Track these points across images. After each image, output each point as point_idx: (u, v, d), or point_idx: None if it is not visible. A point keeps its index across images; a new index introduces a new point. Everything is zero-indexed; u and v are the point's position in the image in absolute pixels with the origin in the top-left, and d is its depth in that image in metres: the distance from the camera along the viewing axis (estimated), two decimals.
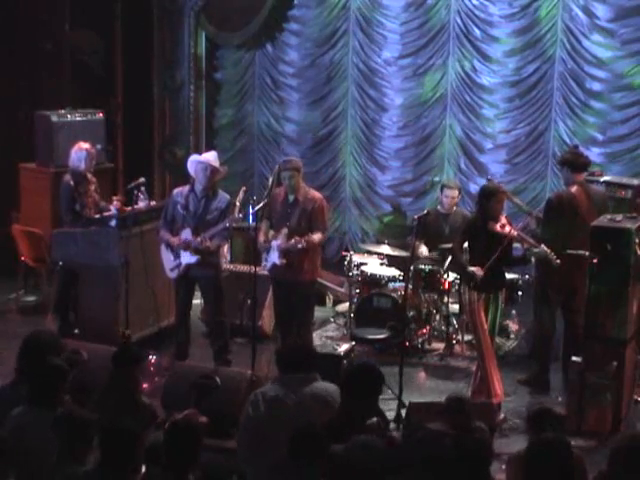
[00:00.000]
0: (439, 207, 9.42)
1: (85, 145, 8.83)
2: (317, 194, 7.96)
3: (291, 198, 7.78)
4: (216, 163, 7.89)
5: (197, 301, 8.57)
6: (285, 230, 7.70)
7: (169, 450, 4.51)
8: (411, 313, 8.67)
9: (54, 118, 10.11)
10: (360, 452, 4.37)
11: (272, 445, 5.16)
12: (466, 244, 7.61)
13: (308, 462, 4.51)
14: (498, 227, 7.27)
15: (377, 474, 4.33)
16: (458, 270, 8.00)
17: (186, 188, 7.91)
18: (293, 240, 7.59)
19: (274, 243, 7.75)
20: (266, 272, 8.08)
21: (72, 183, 8.66)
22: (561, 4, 10.43)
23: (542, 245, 7.34)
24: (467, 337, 8.82)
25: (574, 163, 7.84)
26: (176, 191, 8.00)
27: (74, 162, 8.76)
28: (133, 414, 5.10)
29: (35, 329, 6.20)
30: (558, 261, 7.25)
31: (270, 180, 10.96)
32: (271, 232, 7.84)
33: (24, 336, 5.86)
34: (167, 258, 7.93)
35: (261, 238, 7.88)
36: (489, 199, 7.38)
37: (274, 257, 7.76)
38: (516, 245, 7.71)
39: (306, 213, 7.73)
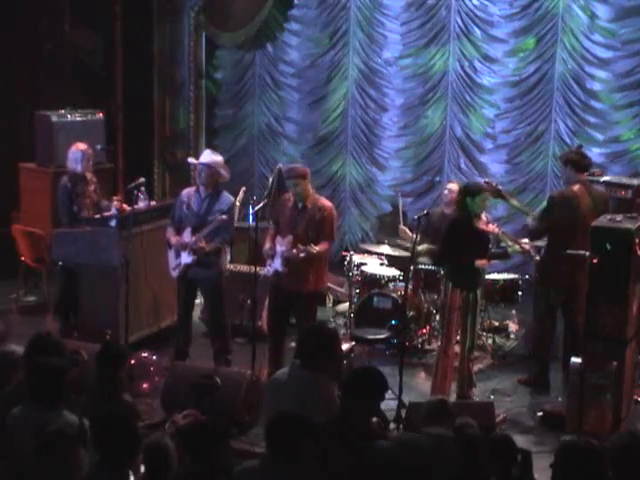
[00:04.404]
0: (443, 207, 9.33)
1: (81, 146, 8.76)
2: (327, 203, 7.70)
3: (300, 205, 7.58)
4: (216, 164, 7.89)
5: (198, 301, 8.57)
6: (290, 237, 7.50)
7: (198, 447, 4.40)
8: (411, 313, 8.66)
9: (54, 118, 10.11)
10: (406, 449, 4.32)
11: None
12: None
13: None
14: (483, 225, 7.34)
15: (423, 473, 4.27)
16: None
17: (193, 188, 7.99)
18: (295, 250, 7.43)
19: (278, 249, 7.56)
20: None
21: (69, 185, 8.62)
22: (561, 4, 10.44)
23: (524, 242, 7.64)
24: None
25: (578, 163, 7.84)
26: (184, 191, 8.06)
27: (71, 163, 8.73)
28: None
29: (39, 331, 6.14)
30: (537, 257, 7.53)
31: (270, 180, 10.97)
32: (278, 238, 7.59)
33: (28, 337, 5.80)
34: (171, 257, 7.97)
35: (267, 245, 7.67)
36: (474, 197, 7.40)
37: (277, 264, 7.57)
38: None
39: (314, 222, 7.53)
